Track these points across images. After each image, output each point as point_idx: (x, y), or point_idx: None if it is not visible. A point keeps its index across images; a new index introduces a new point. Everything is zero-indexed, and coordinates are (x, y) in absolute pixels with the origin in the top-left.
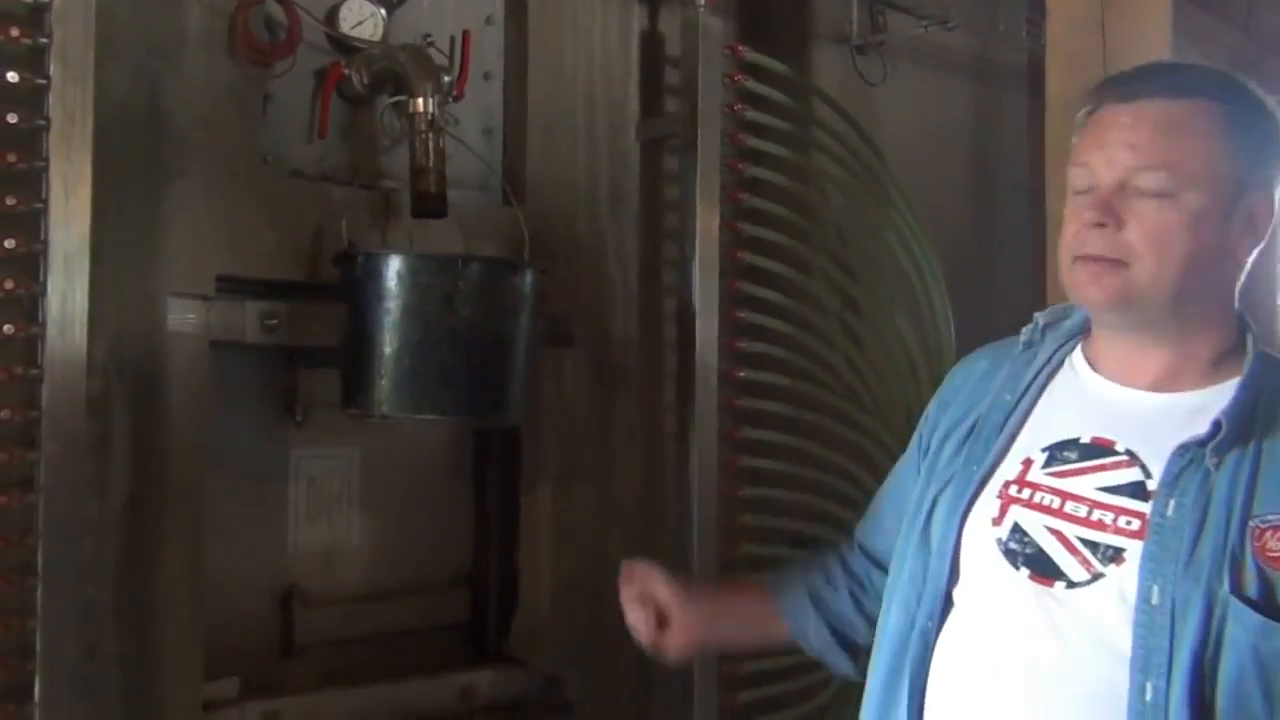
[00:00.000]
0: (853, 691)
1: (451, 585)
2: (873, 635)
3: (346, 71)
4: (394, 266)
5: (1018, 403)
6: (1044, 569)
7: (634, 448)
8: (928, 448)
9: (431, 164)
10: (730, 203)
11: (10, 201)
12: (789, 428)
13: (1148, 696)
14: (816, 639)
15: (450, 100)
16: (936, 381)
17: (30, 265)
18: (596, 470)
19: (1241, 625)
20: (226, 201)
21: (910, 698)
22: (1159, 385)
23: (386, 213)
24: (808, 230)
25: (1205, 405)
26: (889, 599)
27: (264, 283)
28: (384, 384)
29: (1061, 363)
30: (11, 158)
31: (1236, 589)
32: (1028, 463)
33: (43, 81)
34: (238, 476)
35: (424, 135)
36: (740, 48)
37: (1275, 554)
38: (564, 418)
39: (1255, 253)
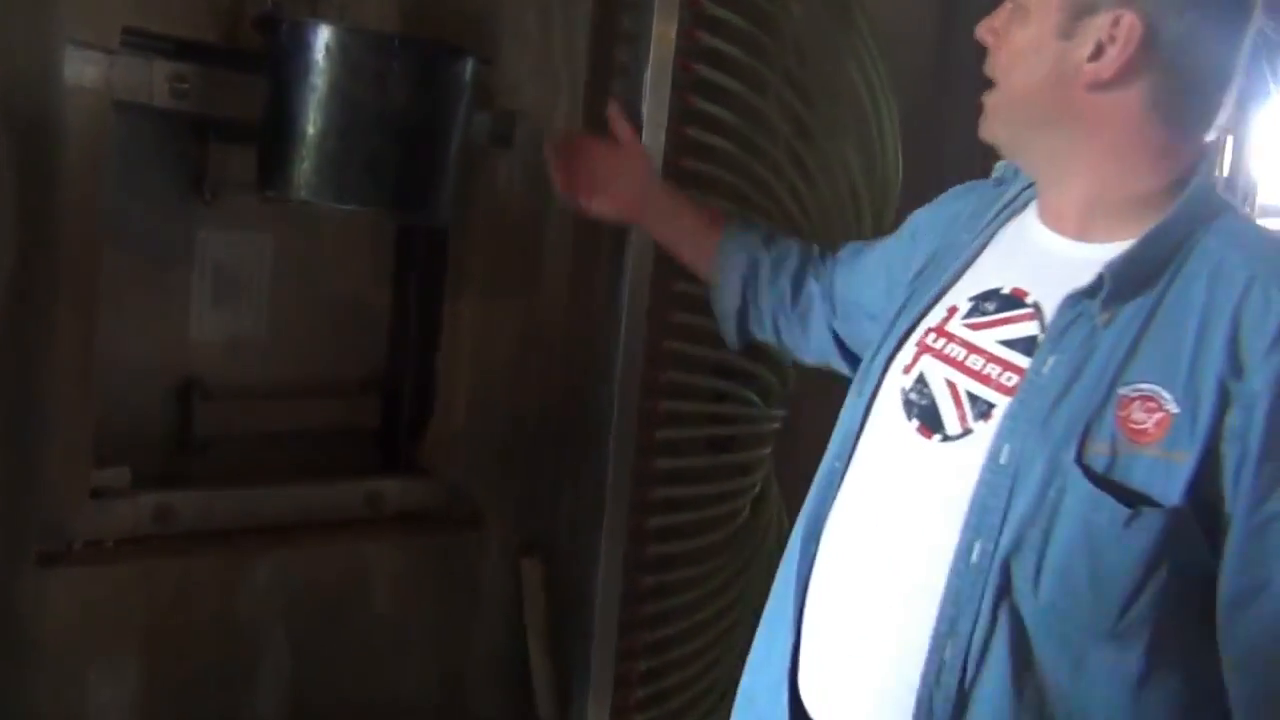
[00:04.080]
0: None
1: (363, 389)
2: (772, 335)
3: None
4: (323, 38)
5: (969, 245)
6: (930, 421)
7: (565, 260)
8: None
9: None
10: (689, 7)
11: None
12: None
13: (973, 558)
14: (725, 301)
15: None
16: (878, 225)
17: None
18: (524, 281)
19: (1076, 495)
20: None
21: (810, 528)
22: (1082, 233)
23: None
24: (766, 46)
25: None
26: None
27: (176, 41)
28: (305, 167)
29: (1025, 206)
30: None
31: (1080, 457)
32: (952, 310)
33: None
34: (136, 255)
35: None
36: None
37: (1138, 426)
38: (495, 223)
39: (1123, 76)
